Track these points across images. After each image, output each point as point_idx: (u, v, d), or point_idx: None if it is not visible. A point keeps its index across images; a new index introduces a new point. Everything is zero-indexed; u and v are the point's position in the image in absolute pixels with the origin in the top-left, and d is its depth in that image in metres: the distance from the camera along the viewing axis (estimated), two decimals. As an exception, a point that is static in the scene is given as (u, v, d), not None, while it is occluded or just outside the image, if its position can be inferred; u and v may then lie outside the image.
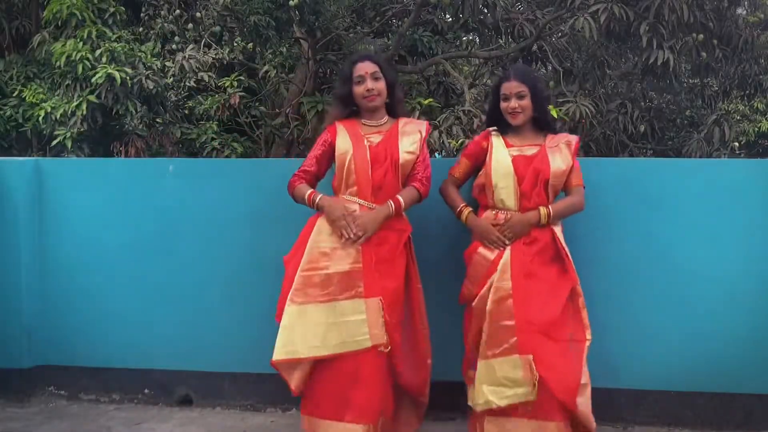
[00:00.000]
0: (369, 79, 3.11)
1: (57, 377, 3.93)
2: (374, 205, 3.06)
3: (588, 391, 2.99)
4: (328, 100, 6.98)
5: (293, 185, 3.18)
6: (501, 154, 3.10)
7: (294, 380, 3.05)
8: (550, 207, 3.03)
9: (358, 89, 3.13)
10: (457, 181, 3.27)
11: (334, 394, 3.00)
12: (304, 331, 2.99)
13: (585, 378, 2.97)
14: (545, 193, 3.05)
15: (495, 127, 3.20)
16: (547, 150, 3.09)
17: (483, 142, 3.18)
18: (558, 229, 3.08)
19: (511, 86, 3.08)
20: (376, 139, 3.15)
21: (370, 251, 3.02)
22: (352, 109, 3.22)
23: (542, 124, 3.16)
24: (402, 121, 3.22)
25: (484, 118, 3.55)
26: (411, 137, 3.15)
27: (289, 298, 3.03)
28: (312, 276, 3.03)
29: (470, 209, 3.16)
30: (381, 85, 3.13)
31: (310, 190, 3.12)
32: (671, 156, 8.36)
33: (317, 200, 3.08)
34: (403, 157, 3.11)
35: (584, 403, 2.96)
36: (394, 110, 3.24)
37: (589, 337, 3.02)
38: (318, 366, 3.04)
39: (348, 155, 3.08)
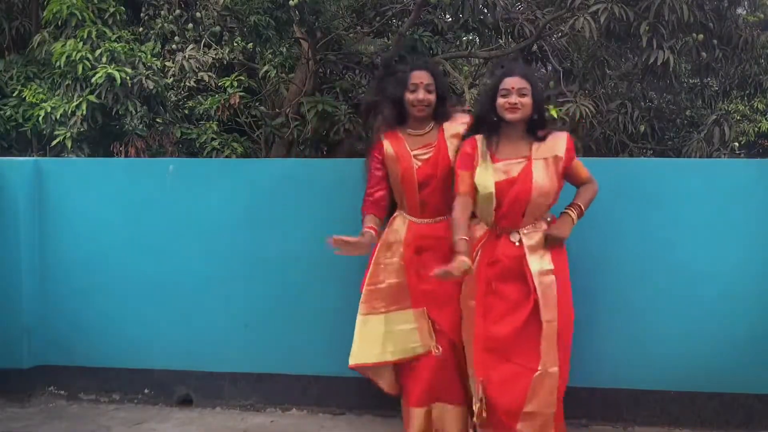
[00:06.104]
0: (422, 89, 3.17)
1: (57, 377, 3.94)
2: (422, 220, 3.20)
3: (539, 420, 2.92)
4: (328, 100, 6.98)
5: (363, 213, 3.25)
6: (484, 179, 3.01)
7: (383, 382, 3.32)
8: (579, 204, 3.06)
9: (411, 96, 3.18)
10: (469, 200, 3.06)
11: (413, 387, 3.22)
12: (364, 340, 3.23)
13: (533, 407, 2.89)
14: (521, 215, 3.00)
15: (479, 135, 3.10)
16: (533, 164, 2.99)
17: (472, 153, 3.07)
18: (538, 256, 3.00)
19: (514, 82, 2.99)
20: (424, 155, 3.19)
21: (412, 264, 3.17)
22: (400, 113, 3.26)
23: (537, 127, 3.06)
24: (445, 126, 3.24)
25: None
26: (456, 142, 3.19)
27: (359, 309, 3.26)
28: (373, 290, 3.24)
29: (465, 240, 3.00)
30: (432, 97, 3.20)
31: (364, 227, 3.17)
32: (671, 156, 8.35)
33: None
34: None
35: (528, 428, 2.92)
36: (439, 117, 3.27)
37: (540, 368, 2.88)
38: (400, 367, 3.27)
39: (397, 178, 3.21)
